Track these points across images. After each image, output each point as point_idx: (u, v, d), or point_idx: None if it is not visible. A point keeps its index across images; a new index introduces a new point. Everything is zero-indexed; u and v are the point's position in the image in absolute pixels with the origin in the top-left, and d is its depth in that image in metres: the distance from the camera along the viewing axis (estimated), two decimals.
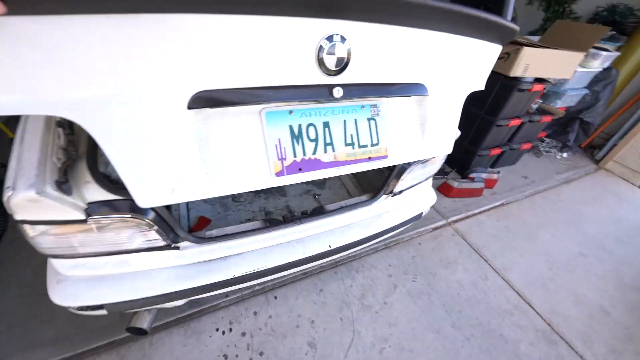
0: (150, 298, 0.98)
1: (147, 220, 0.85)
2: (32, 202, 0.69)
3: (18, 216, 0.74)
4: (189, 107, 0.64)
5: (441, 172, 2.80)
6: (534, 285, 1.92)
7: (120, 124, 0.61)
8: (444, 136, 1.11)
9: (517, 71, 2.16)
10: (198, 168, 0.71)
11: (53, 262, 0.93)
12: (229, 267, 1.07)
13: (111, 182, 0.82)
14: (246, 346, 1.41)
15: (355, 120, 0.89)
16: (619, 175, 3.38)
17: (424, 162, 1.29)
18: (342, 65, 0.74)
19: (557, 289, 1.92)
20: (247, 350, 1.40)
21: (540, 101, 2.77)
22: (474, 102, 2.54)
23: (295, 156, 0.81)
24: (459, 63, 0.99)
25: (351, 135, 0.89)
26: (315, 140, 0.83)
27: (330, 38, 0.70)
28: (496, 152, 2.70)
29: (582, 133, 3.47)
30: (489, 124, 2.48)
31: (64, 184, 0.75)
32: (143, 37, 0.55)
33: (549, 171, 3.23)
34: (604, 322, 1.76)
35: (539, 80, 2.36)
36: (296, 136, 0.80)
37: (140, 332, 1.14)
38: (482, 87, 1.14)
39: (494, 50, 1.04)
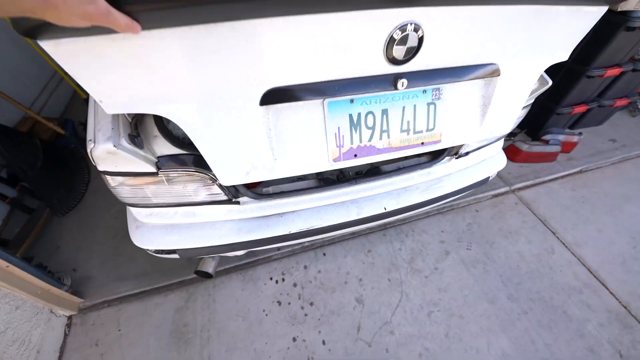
0: (215, 247, 1.05)
1: (210, 175, 0.87)
2: (111, 154, 0.73)
3: (100, 167, 0.79)
4: (261, 104, 0.69)
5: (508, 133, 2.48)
6: (612, 264, 1.70)
7: (205, 121, 0.70)
8: (506, 118, 1.00)
9: (630, 3, 1.69)
10: (268, 155, 0.79)
11: (132, 210, 1.02)
12: (285, 223, 1.09)
13: (175, 139, 0.83)
14: (297, 296, 1.50)
15: (415, 105, 0.84)
16: None
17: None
18: (412, 54, 0.70)
19: None
20: (298, 299, 1.49)
21: None
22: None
23: (352, 143, 0.83)
24: (542, 36, 0.81)
25: (408, 122, 0.86)
26: (373, 127, 0.83)
27: (403, 28, 0.64)
28: (581, 109, 2.28)
29: None
30: (577, 75, 2.05)
31: (136, 137, 0.77)
32: (220, 44, 0.58)
33: None
34: None
35: None
36: (355, 124, 0.80)
37: (206, 276, 1.26)
38: (565, 58, 0.92)
39: (592, 14, 0.80)
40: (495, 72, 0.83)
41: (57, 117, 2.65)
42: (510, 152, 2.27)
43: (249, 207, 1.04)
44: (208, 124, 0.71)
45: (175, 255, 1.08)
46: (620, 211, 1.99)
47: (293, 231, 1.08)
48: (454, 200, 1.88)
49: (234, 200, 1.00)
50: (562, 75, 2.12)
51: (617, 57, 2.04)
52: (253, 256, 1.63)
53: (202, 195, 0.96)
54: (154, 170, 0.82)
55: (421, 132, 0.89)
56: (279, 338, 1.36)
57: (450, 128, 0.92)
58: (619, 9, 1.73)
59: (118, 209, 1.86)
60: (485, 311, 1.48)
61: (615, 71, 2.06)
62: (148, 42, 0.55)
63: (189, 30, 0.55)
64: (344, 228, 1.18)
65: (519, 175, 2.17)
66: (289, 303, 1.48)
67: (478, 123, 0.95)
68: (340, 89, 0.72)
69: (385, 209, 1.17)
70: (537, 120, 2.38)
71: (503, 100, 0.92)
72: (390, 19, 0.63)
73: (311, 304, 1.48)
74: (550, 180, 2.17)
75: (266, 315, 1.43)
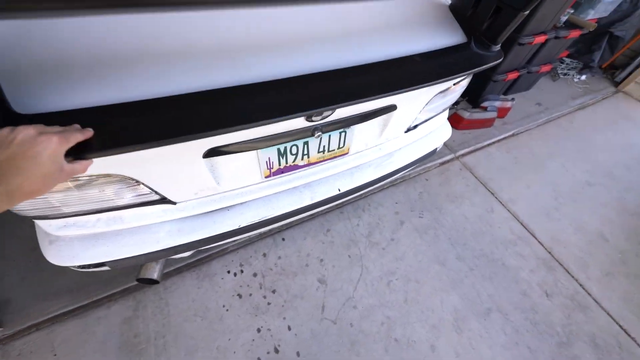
0: (154, 253, 0.93)
1: (131, 176, 0.73)
2: None
3: None
4: (204, 157, 0.78)
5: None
6: (538, 215, 1.93)
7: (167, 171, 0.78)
8: (400, 128, 1.16)
9: None
10: (212, 182, 0.89)
11: (39, 223, 0.84)
12: (233, 216, 1.00)
13: None
14: (258, 285, 1.45)
15: (329, 136, 0.98)
16: (637, 99, 3.17)
17: (443, 91, 1.12)
18: (326, 117, 0.83)
19: (561, 218, 1.94)
20: (259, 289, 1.44)
21: (571, 11, 2.39)
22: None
23: (280, 165, 0.97)
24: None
25: (324, 146, 1.00)
26: (296, 154, 0.96)
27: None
28: (513, 76, 2.44)
29: (608, 51, 3.12)
30: (510, 43, 2.17)
31: None
32: None
33: (564, 96, 3.01)
34: (601, 247, 1.83)
35: None
36: (282, 154, 0.93)
37: (151, 282, 1.13)
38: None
39: None
40: (393, 108, 0.98)
41: None
42: (454, 120, 2.38)
43: (188, 205, 0.93)
44: (165, 175, 0.79)
45: (106, 268, 0.94)
46: (543, 167, 2.25)
47: (243, 224, 1.00)
48: (405, 172, 1.93)
49: (167, 199, 0.87)
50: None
51: (542, 25, 2.18)
52: (206, 251, 1.52)
53: (128, 198, 0.82)
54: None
55: (334, 150, 1.04)
56: (243, 331, 1.32)
57: (356, 143, 1.08)
58: None
59: None
60: (437, 273, 1.60)
61: (541, 38, 2.21)
62: None
63: None
64: (299, 214, 1.13)
65: (461, 142, 2.31)
66: (250, 294, 1.43)
67: (378, 135, 1.12)
68: (270, 141, 0.84)
69: (339, 190, 1.14)
70: (476, 89, 2.51)
71: (398, 121, 1.10)
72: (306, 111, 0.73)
73: (273, 291, 1.45)
74: (488, 145, 2.35)
75: (227, 310, 1.37)
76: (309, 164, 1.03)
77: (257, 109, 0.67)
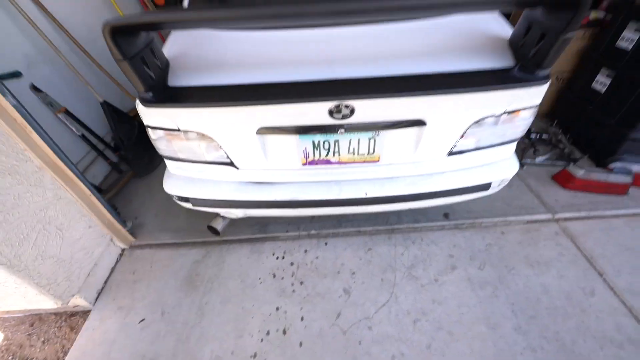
0: (217, 200, 1.30)
1: (206, 138, 1.13)
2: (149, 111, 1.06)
3: (145, 121, 1.13)
4: (256, 133, 1.10)
5: (564, 157, 2.18)
6: None
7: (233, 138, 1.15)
8: (438, 149, 1.20)
9: None
10: (261, 156, 1.19)
11: (167, 162, 1.36)
12: (274, 191, 1.28)
13: None
14: (291, 273, 1.63)
15: (359, 139, 1.15)
16: None
17: (496, 116, 1.11)
18: (347, 116, 1.03)
19: None
20: (291, 276, 1.62)
21: None
22: (633, 60, 1.82)
23: (314, 157, 1.19)
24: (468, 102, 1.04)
25: (353, 148, 1.18)
26: (328, 149, 1.18)
27: (337, 105, 1.01)
28: None
29: None
30: None
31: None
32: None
33: None
34: None
35: None
36: (316, 147, 1.16)
37: (215, 232, 1.52)
38: (497, 113, 1.11)
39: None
40: (421, 123, 1.08)
41: None
42: (562, 177, 1.99)
43: (246, 173, 1.27)
44: (233, 142, 1.15)
45: (189, 205, 1.37)
46: None
47: (278, 199, 1.26)
48: (473, 217, 1.78)
49: (234, 164, 1.23)
50: (638, 92, 1.81)
51: None
52: (264, 233, 1.84)
53: (212, 156, 1.22)
54: (176, 128, 1.12)
55: (364, 154, 1.19)
56: (265, 304, 1.51)
57: (387, 153, 1.19)
58: None
59: None
60: (480, 334, 1.35)
61: None
62: None
63: None
64: (325, 206, 1.29)
65: (569, 205, 1.89)
66: (282, 278, 1.62)
67: (412, 151, 1.19)
68: (305, 130, 1.10)
69: (366, 194, 1.25)
70: (607, 146, 2.04)
71: (432, 139, 1.16)
72: (321, 104, 1.01)
73: (301, 283, 1.59)
74: (612, 216, 1.82)
75: (260, 282, 1.60)
76: (340, 162, 1.21)
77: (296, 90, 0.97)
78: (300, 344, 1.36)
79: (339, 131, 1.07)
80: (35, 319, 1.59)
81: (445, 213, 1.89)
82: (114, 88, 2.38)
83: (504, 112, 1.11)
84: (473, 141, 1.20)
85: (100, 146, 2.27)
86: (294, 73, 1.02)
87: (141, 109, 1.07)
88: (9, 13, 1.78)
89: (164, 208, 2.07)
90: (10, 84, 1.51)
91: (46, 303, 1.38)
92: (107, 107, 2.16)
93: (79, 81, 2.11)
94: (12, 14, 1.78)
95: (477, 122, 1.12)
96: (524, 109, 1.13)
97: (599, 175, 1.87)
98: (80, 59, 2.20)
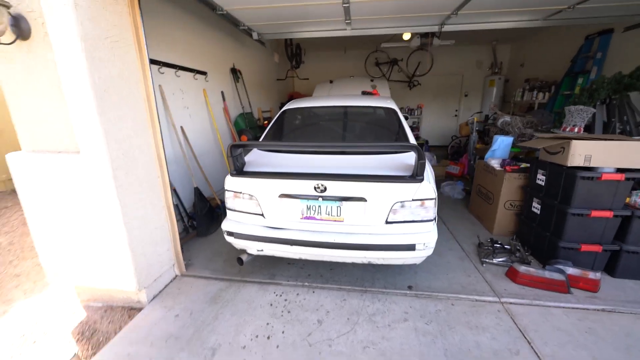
0: (249, 235, 2.19)
1: (253, 198, 2.17)
2: (229, 184, 2.20)
3: (226, 187, 2.26)
4: (279, 197, 2.11)
5: (506, 251, 2.70)
6: None
7: (267, 202, 2.16)
8: (377, 218, 2.05)
9: (573, 161, 2.30)
10: (279, 211, 2.17)
11: (228, 212, 2.37)
12: (283, 233, 2.15)
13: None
14: (283, 305, 2.23)
15: (331, 206, 2.09)
16: None
17: (403, 202, 1.99)
18: (323, 191, 2.02)
19: None
20: (283, 307, 2.21)
21: None
22: (550, 192, 2.61)
23: (307, 214, 2.13)
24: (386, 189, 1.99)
25: (328, 212, 2.10)
26: (314, 210, 2.10)
27: (317, 185, 2.03)
28: (592, 248, 2.37)
29: None
30: (562, 213, 2.41)
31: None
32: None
33: None
34: None
35: (622, 170, 2.25)
36: (308, 208, 2.11)
37: (240, 262, 2.33)
38: (409, 199, 2.00)
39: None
40: (363, 199, 2.00)
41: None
42: (511, 273, 2.48)
43: (269, 221, 2.20)
44: (265, 201, 2.14)
45: (232, 238, 2.28)
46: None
47: (285, 237, 2.11)
48: (430, 291, 2.32)
49: (263, 215, 2.20)
50: (555, 213, 2.49)
51: (600, 201, 2.33)
52: (271, 279, 2.54)
53: (252, 209, 2.23)
54: (240, 191, 2.20)
55: (334, 216, 2.09)
56: (260, 320, 2.08)
57: (348, 216, 2.08)
58: (568, 164, 2.34)
59: (226, 243, 3.27)
60: None
61: (604, 213, 2.30)
62: None
63: None
64: (312, 246, 2.09)
65: (515, 293, 2.31)
66: (276, 307, 2.22)
67: (362, 216, 2.06)
68: (304, 196, 2.06)
69: (334, 240, 2.05)
70: (547, 251, 2.56)
71: (373, 211, 2.03)
72: (312, 182, 2.02)
73: (289, 311, 2.16)
74: (553, 306, 2.17)
75: (260, 307, 2.21)
76: (321, 219, 2.10)
77: (300, 175, 2.01)
78: (277, 346, 1.86)
79: (319, 199, 2.04)
80: (108, 308, 2.34)
81: (410, 285, 2.43)
82: (204, 181, 3.79)
83: (412, 199, 1.99)
84: (400, 216, 2.04)
85: (184, 213, 3.46)
86: (300, 169, 2.10)
87: (227, 179, 2.20)
88: (170, 135, 3.42)
89: (209, 258, 2.94)
90: None
91: (129, 285, 2.18)
92: (196, 190, 3.49)
93: (188, 174, 3.56)
94: (171, 135, 3.42)
95: (397, 202, 2.00)
96: (425, 199, 2.00)
97: (536, 271, 2.34)
98: (191, 162, 3.73)
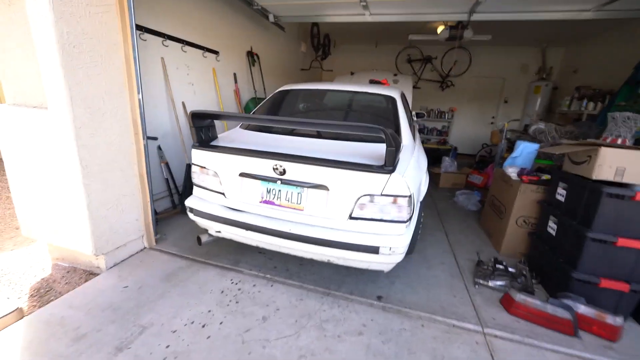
0: (208, 214, 2.05)
1: (216, 175, 2.02)
2: (194, 153, 2.07)
3: (192, 161, 2.13)
4: (239, 175, 1.94)
5: (508, 275, 2.27)
6: None
7: (228, 176, 1.99)
8: (339, 209, 1.80)
9: (600, 173, 1.84)
10: (239, 190, 2.00)
11: (194, 188, 2.26)
12: (241, 215, 1.98)
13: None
14: (234, 295, 2.06)
15: (291, 191, 1.88)
16: None
17: (372, 197, 1.71)
18: (282, 173, 1.82)
19: None
20: (233, 296, 2.05)
21: None
22: (570, 210, 2.15)
23: (267, 198, 1.94)
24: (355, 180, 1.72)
25: (288, 198, 1.89)
26: (274, 195, 1.91)
27: (275, 165, 1.82)
28: (616, 286, 1.89)
29: None
30: (580, 237, 1.96)
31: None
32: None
33: None
34: None
35: None
36: (268, 191, 1.92)
37: (199, 242, 2.20)
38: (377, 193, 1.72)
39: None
40: (325, 187, 1.77)
41: None
42: (505, 300, 2.08)
43: (229, 200, 2.05)
44: (227, 179, 1.99)
45: (193, 216, 2.16)
46: None
47: (242, 220, 1.94)
48: (402, 307, 2.01)
49: (224, 193, 2.05)
50: (572, 236, 2.03)
51: (630, 227, 1.85)
52: (234, 265, 2.39)
53: (215, 187, 2.08)
54: (204, 166, 2.07)
55: (294, 203, 1.87)
56: (204, 305, 1.94)
57: (308, 206, 1.85)
58: (593, 177, 1.88)
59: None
60: None
61: (638, 244, 1.82)
62: None
63: None
64: (267, 234, 1.89)
65: (505, 325, 1.91)
66: (226, 295, 2.06)
67: (324, 207, 1.82)
68: (263, 177, 1.89)
69: (290, 230, 1.83)
70: (557, 281, 2.11)
71: (335, 202, 1.79)
72: (270, 162, 1.81)
73: (237, 302, 1.99)
74: (549, 350, 1.76)
75: (210, 292, 2.07)
76: (280, 205, 1.89)
77: (258, 153, 1.82)
78: (208, 337, 1.70)
79: (278, 182, 1.83)
80: (71, 269, 2.35)
81: (379, 296, 2.14)
82: None
83: (382, 194, 1.70)
84: (367, 212, 1.76)
85: (173, 190, 3.44)
86: (263, 148, 1.91)
87: (193, 152, 2.08)
88: (169, 109, 3.41)
89: (182, 236, 2.87)
90: (150, 141, 2.86)
91: (86, 248, 2.16)
92: (188, 167, 3.45)
93: (182, 150, 3.53)
94: (170, 109, 3.41)
95: (365, 196, 1.72)
96: (398, 196, 1.70)
97: (536, 303, 1.92)
98: (188, 137, 3.69)
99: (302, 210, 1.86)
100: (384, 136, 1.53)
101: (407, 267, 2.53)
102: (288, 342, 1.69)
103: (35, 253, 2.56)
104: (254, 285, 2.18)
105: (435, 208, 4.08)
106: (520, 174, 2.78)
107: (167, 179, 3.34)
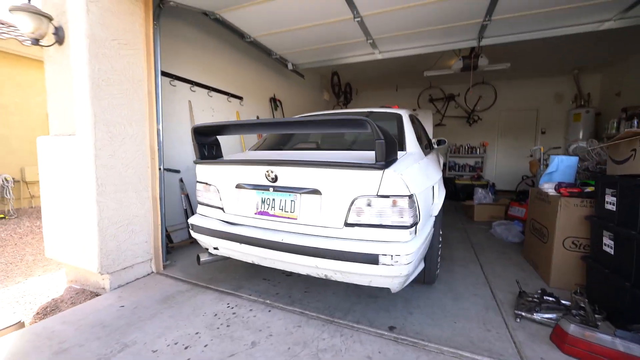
0: (206, 228, 2.01)
1: (215, 190, 2.04)
2: (198, 170, 2.14)
3: (197, 178, 2.20)
4: (235, 187, 1.95)
5: (561, 308, 1.79)
6: None
7: (225, 189, 2.02)
8: (333, 215, 1.66)
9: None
10: (236, 203, 1.97)
11: (198, 207, 2.28)
12: (238, 229, 1.90)
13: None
14: (227, 318, 1.88)
15: (284, 199, 1.80)
16: None
17: (369, 200, 1.56)
18: (274, 180, 1.77)
19: None
20: (225, 320, 1.86)
21: None
22: (625, 219, 1.75)
23: (261, 209, 1.87)
24: (347, 182, 1.62)
25: (281, 207, 1.81)
26: (268, 204, 1.84)
27: (268, 171, 1.77)
28: None
29: None
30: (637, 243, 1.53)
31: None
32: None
33: None
34: None
35: None
36: (263, 201, 1.87)
37: (198, 260, 2.14)
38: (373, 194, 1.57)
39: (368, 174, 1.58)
40: (318, 192, 1.67)
41: None
42: (556, 335, 1.62)
43: (227, 216, 2.01)
44: (225, 192, 2.00)
45: (193, 232, 2.13)
46: None
47: (238, 233, 1.86)
48: (420, 340, 1.69)
49: (223, 208, 2.03)
50: (629, 246, 1.61)
51: None
52: (234, 291, 2.23)
53: (215, 202, 2.08)
54: (207, 182, 2.11)
55: (288, 212, 1.78)
56: (192, 328, 1.78)
57: (300, 213, 1.74)
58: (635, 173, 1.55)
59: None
60: None
61: None
62: None
63: None
64: (262, 246, 1.77)
65: None
66: (219, 318, 1.88)
67: (318, 214, 1.69)
68: (257, 187, 1.86)
69: (282, 239, 1.70)
70: (627, 311, 1.61)
71: (329, 207, 1.67)
72: (263, 168, 1.78)
73: (228, 326, 1.80)
74: None
75: (203, 315, 1.91)
76: (274, 215, 1.81)
77: (251, 161, 1.81)
78: (188, 359, 1.51)
79: (270, 189, 1.77)
80: (80, 291, 2.37)
81: (392, 326, 1.80)
82: None
83: (378, 195, 1.55)
84: (365, 218, 1.59)
85: None
86: (258, 158, 1.91)
87: (197, 170, 2.16)
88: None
89: (193, 263, 2.82)
90: (172, 173, 3.07)
91: (93, 266, 2.19)
92: None
93: None
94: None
95: (360, 198, 1.58)
96: (396, 196, 1.53)
97: (599, 337, 1.46)
98: None
99: (295, 219, 1.75)
100: (370, 127, 1.44)
101: (430, 296, 2.17)
102: None
103: (56, 278, 2.67)
104: (251, 310, 1.98)
105: (468, 241, 3.62)
106: (557, 188, 2.41)
107: (185, 210, 3.46)
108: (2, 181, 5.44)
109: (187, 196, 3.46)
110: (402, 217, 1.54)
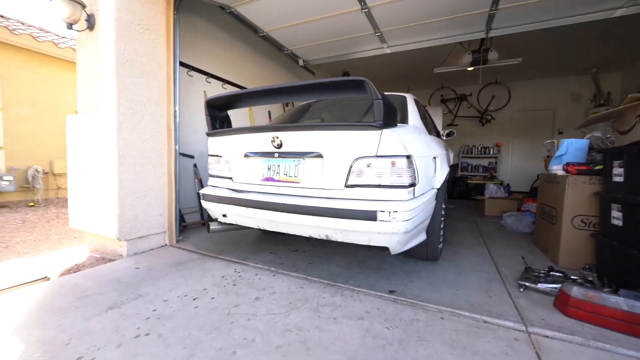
0: (216, 196, 2.13)
1: (225, 161, 2.16)
2: (210, 142, 2.28)
3: (209, 152, 2.34)
4: (244, 157, 2.08)
5: (567, 280, 1.75)
6: None
7: (234, 159, 2.15)
8: (335, 177, 1.74)
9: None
10: (244, 171, 2.09)
11: (209, 179, 2.41)
12: (246, 195, 2.00)
13: None
14: (234, 280, 1.97)
15: (289, 165, 1.89)
16: None
17: (368, 161, 1.63)
18: (280, 146, 1.86)
19: None
20: (232, 280, 1.95)
21: None
22: (632, 188, 1.73)
23: (268, 175, 1.98)
24: (346, 145, 1.70)
25: (286, 172, 1.90)
26: (274, 170, 1.94)
27: (273, 137, 1.88)
28: None
29: None
30: None
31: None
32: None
33: None
34: None
35: None
36: (269, 168, 1.97)
37: (208, 228, 2.25)
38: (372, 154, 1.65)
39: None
40: (320, 155, 1.75)
41: None
42: (559, 300, 1.61)
43: (235, 184, 2.12)
44: (233, 162, 2.12)
45: (204, 202, 2.25)
46: None
47: (246, 198, 1.96)
48: (417, 300, 1.71)
49: (231, 178, 2.14)
50: (636, 213, 1.59)
51: None
52: (242, 260, 2.32)
53: (225, 172, 2.20)
54: (217, 154, 2.24)
55: (291, 176, 1.86)
56: (201, 285, 1.87)
57: (304, 177, 1.83)
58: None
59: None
60: None
61: None
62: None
63: None
64: (268, 209, 1.85)
65: (562, 327, 1.45)
66: (226, 279, 1.97)
67: (319, 177, 1.78)
68: (264, 154, 1.96)
69: (286, 202, 1.79)
70: (635, 279, 1.58)
71: (330, 170, 1.74)
72: (269, 135, 1.88)
73: (234, 285, 1.89)
74: (626, 357, 1.25)
75: (211, 277, 2.01)
76: (279, 180, 1.90)
77: (258, 129, 1.93)
78: (196, 307, 1.60)
79: (276, 155, 1.87)
80: (100, 258, 2.53)
81: (392, 290, 1.84)
82: None
83: (377, 155, 1.61)
84: (364, 179, 1.66)
85: None
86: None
87: (208, 143, 2.29)
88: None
89: (203, 240, 2.95)
90: (187, 159, 3.24)
91: (112, 232, 2.34)
92: None
93: None
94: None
95: (359, 159, 1.65)
96: (395, 156, 1.60)
97: (603, 297, 1.44)
98: None
99: (298, 182, 1.83)
100: (366, 89, 1.52)
101: (432, 270, 2.18)
102: (275, 319, 1.50)
103: (79, 251, 2.85)
104: (256, 275, 2.06)
105: (477, 231, 3.57)
106: (565, 167, 2.38)
107: (198, 194, 3.60)
108: (34, 172, 5.83)
109: (200, 181, 3.61)
110: (400, 177, 1.60)
